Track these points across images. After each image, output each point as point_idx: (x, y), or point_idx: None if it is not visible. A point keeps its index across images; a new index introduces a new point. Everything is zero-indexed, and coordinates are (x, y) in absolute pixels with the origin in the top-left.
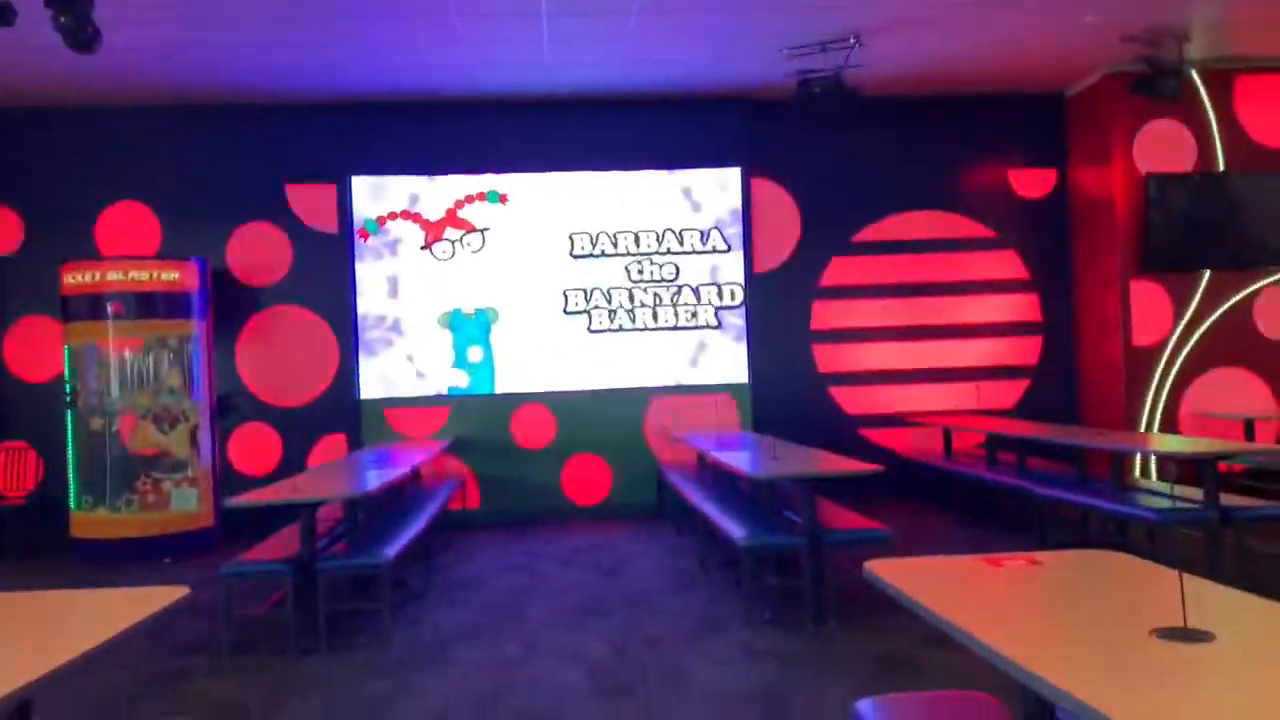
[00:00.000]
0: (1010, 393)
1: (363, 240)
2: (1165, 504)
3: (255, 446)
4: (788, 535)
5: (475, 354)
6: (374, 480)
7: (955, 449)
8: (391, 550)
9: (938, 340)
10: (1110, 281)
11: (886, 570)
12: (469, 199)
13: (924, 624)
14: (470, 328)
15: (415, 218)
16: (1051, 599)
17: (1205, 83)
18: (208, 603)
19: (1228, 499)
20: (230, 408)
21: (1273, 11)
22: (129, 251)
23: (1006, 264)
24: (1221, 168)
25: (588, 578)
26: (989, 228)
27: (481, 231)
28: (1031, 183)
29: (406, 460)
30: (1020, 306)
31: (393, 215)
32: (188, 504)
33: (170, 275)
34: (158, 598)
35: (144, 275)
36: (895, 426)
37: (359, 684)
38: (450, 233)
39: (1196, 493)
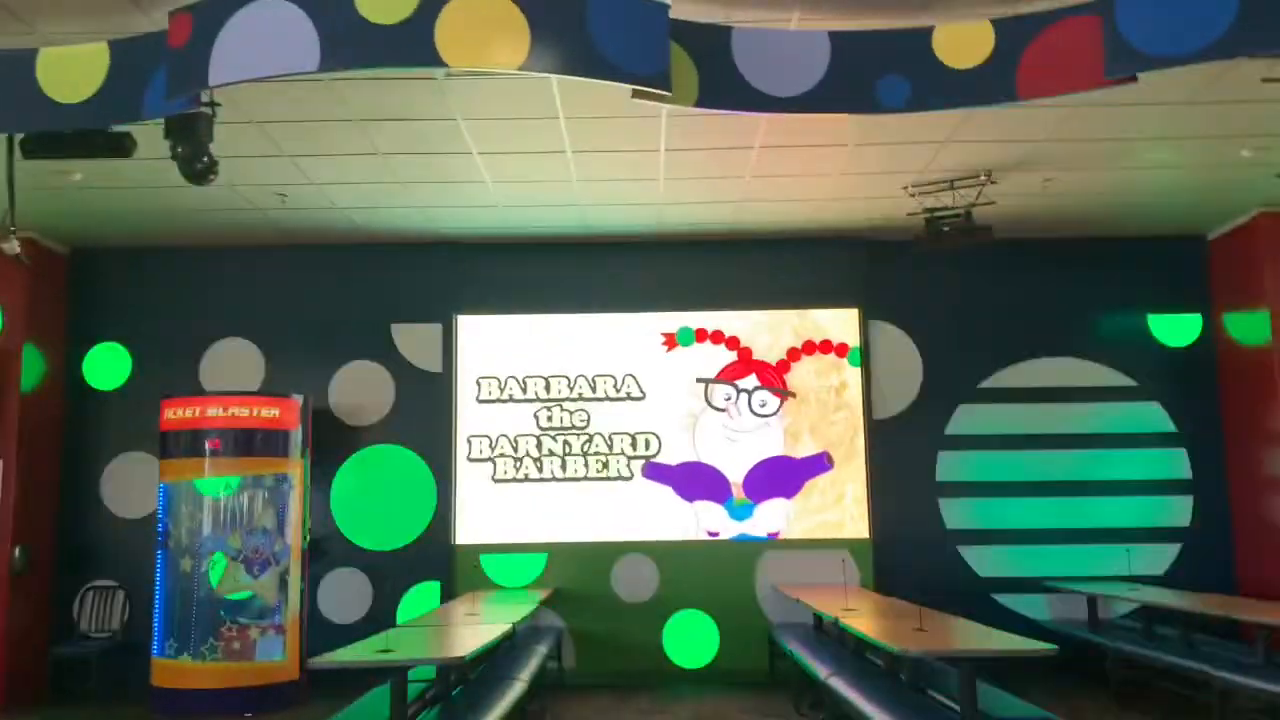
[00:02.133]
0: (1159, 557)
1: (668, 349)
2: None
3: (345, 593)
4: None
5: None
6: (470, 642)
7: (1102, 619)
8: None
9: (1078, 497)
10: (1271, 437)
11: None
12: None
13: None
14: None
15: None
16: None
17: None
18: None
19: None
20: (322, 551)
21: None
22: (233, 388)
23: (1150, 416)
24: None
25: None
26: (1129, 377)
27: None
28: (1174, 330)
29: (503, 615)
30: (1167, 463)
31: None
32: (274, 654)
33: (270, 412)
34: None
35: (244, 411)
36: (1032, 591)
37: None
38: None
39: None
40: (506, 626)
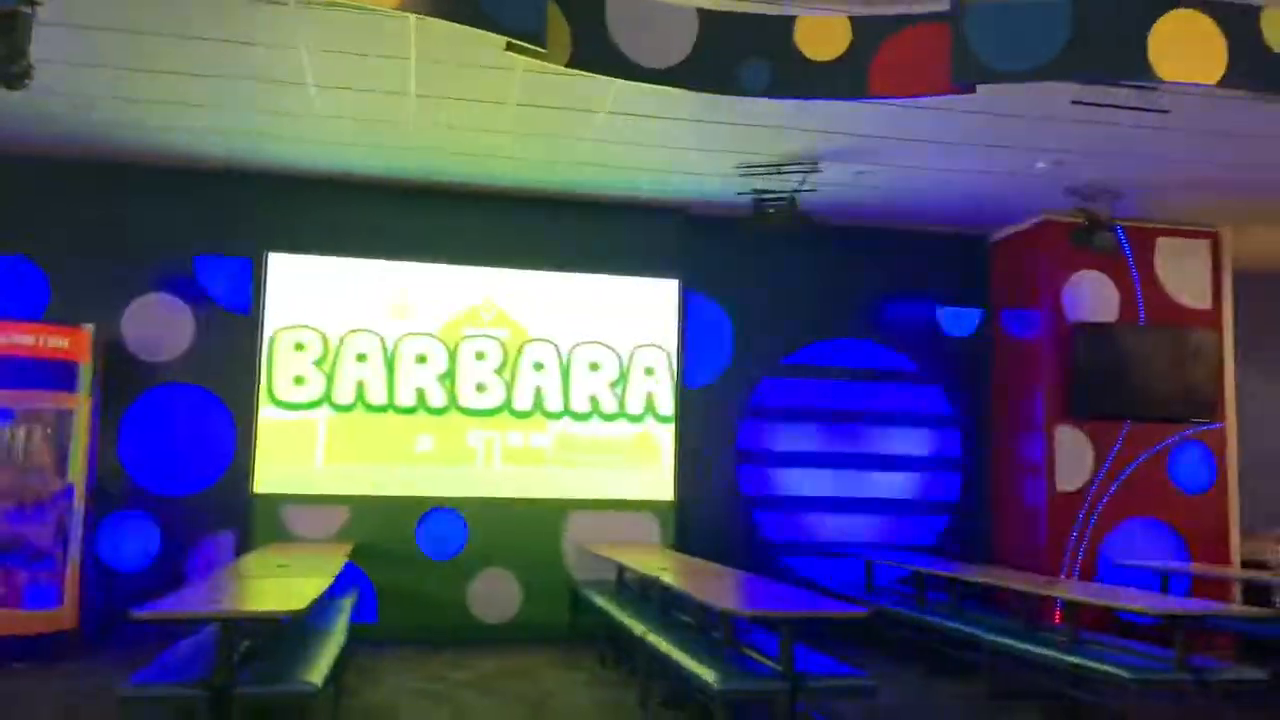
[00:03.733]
0: (929, 527)
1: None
2: (1134, 661)
3: (129, 539)
4: (762, 679)
5: None
6: (303, 595)
7: (876, 584)
8: (316, 676)
9: (860, 470)
10: (1034, 424)
11: None
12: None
13: None
14: None
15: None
16: None
17: (1129, 239)
18: None
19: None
20: (106, 494)
21: (1190, 175)
22: (10, 312)
23: (930, 398)
24: (1142, 321)
25: (515, 713)
26: (914, 361)
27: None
28: (957, 321)
29: (318, 569)
30: (941, 441)
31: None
32: (47, 602)
33: (59, 342)
34: None
35: (28, 340)
36: (816, 555)
37: None
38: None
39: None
40: (328, 578)
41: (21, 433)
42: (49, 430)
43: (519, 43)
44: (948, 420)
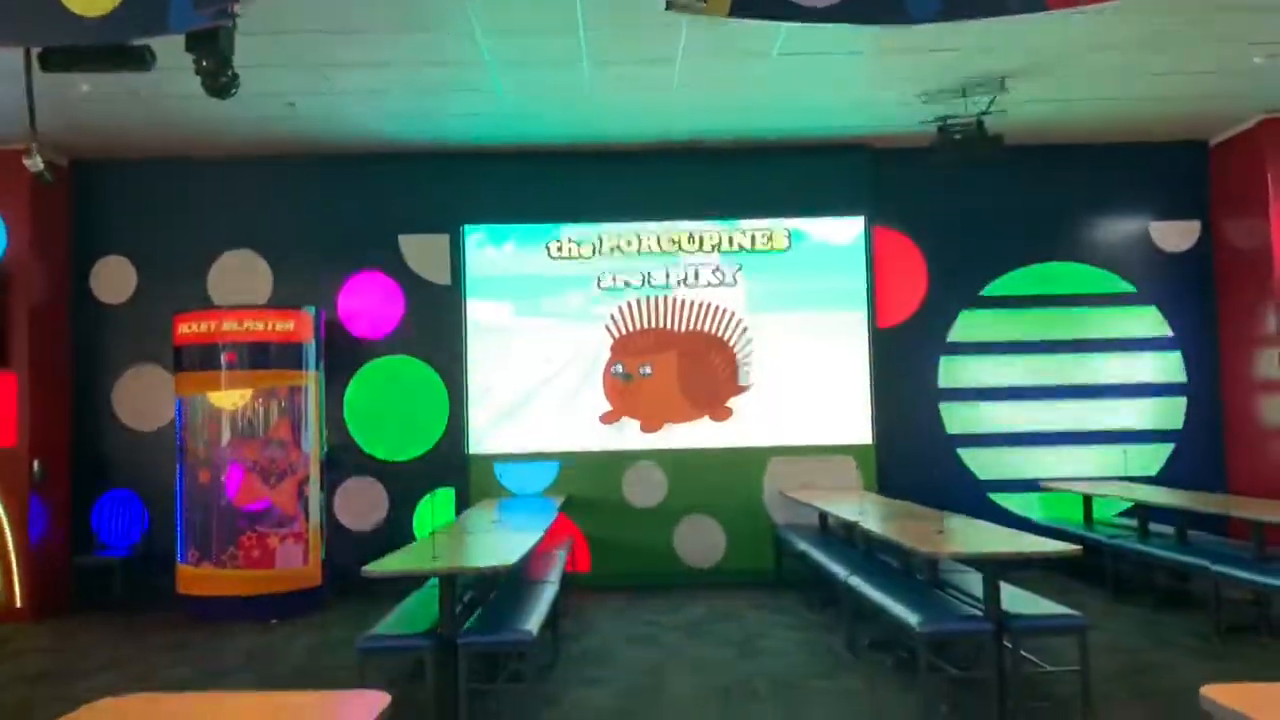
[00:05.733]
0: (1152, 458)
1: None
2: None
3: (361, 501)
4: (966, 620)
5: None
6: (514, 549)
7: (1096, 519)
8: (533, 624)
9: (1073, 400)
10: (1265, 340)
11: (1235, 699)
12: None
13: None
14: None
15: None
16: None
17: None
18: (331, 672)
19: None
20: (336, 461)
21: None
22: (239, 301)
23: (1147, 321)
24: None
25: (723, 654)
26: (1128, 282)
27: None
28: (1174, 235)
29: (530, 523)
30: (1162, 366)
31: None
32: (294, 561)
33: (285, 325)
34: (359, 707)
35: (259, 325)
36: (1029, 492)
37: None
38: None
39: None
40: (540, 533)
41: (261, 409)
42: (283, 406)
43: (679, 1)
44: (1168, 343)
